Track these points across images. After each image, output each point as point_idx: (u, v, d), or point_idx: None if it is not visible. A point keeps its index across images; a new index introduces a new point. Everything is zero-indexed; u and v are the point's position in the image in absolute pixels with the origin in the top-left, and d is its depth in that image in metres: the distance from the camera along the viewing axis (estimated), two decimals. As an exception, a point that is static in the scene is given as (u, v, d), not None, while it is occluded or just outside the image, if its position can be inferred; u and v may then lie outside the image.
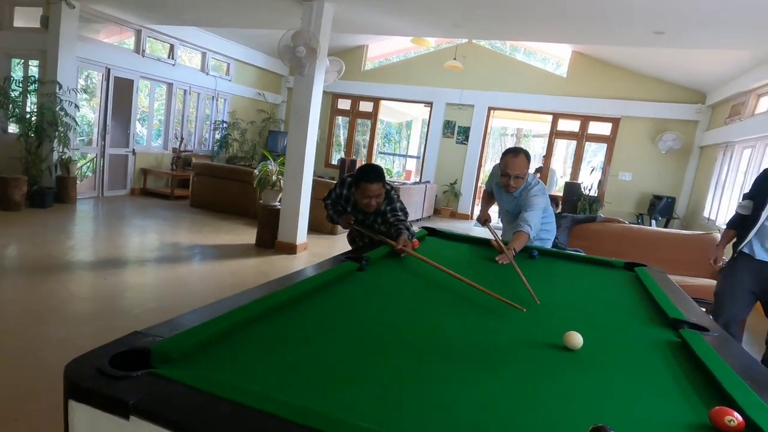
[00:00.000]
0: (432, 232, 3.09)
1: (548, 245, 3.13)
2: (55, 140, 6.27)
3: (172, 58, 8.26)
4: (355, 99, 10.49)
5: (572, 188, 8.08)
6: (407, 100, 10.50)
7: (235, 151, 9.72)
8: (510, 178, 2.80)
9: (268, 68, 10.23)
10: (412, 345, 1.29)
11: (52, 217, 5.86)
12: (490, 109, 9.54)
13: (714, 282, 3.89)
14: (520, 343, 1.39)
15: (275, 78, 10.72)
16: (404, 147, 15.87)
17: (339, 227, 3.17)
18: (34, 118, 6.29)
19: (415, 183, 9.10)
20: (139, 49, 7.63)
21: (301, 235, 5.44)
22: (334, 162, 10.73)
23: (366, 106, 10.50)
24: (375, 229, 2.71)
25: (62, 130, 6.27)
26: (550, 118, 9.29)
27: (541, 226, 2.90)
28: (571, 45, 8.58)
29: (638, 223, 7.47)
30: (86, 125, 7.80)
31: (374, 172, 2.58)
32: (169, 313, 1.25)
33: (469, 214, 9.69)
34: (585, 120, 8.96)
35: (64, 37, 6.34)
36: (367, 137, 10.92)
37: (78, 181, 6.87)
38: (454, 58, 8.71)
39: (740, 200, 3.11)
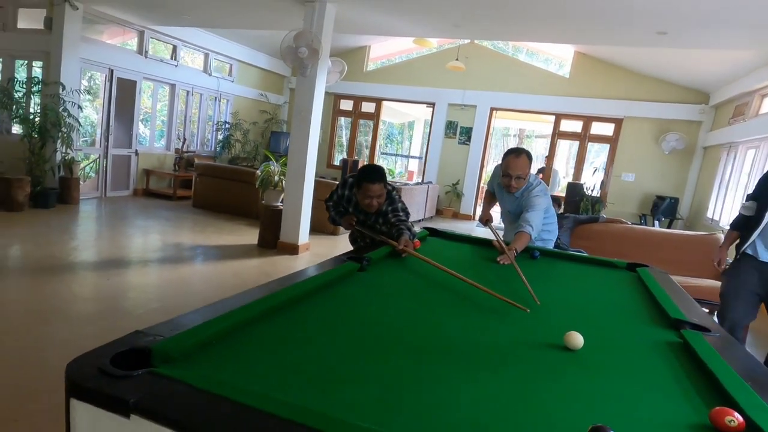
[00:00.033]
0: (433, 232, 3.09)
1: (550, 246, 3.13)
2: (59, 141, 6.31)
3: (175, 59, 8.29)
4: (358, 100, 10.50)
5: (575, 189, 8.05)
6: (409, 101, 10.50)
7: (238, 151, 9.74)
8: (511, 179, 2.80)
9: (270, 69, 10.25)
10: (412, 345, 1.29)
11: (55, 217, 5.88)
12: (492, 109, 9.53)
13: (717, 283, 3.88)
14: (521, 344, 1.39)
15: (277, 79, 10.74)
16: (406, 147, 15.88)
17: (341, 228, 3.16)
18: (37, 119, 6.32)
19: (418, 183, 9.10)
20: (141, 50, 7.66)
21: (303, 235, 5.45)
22: (337, 163, 10.74)
23: (368, 107, 10.50)
24: (376, 230, 2.71)
25: (65, 130, 6.30)
26: (552, 118, 9.28)
27: (542, 226, 2.90)
28: (574, 45, 8.56)
29: (641, 224, 7.45)
30: (89, 126, 7.83)
31: (376, 173, 2.59)
32: (172, 313, 1.25)
33: (472, 214, 9.68)
34: (588, 120, 8.94)
35: (67, 38, 6.37)
36: (370, 138, 10.93)
37: (81, 182, 6.89)
38: (457, 59, 8.71)
39: (744, 201, 3.09)
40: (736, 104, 7.00)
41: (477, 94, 9.45)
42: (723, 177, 7.04)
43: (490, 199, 3.31)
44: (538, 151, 13.05)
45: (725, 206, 6.71)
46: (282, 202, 5.55)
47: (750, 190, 3.10)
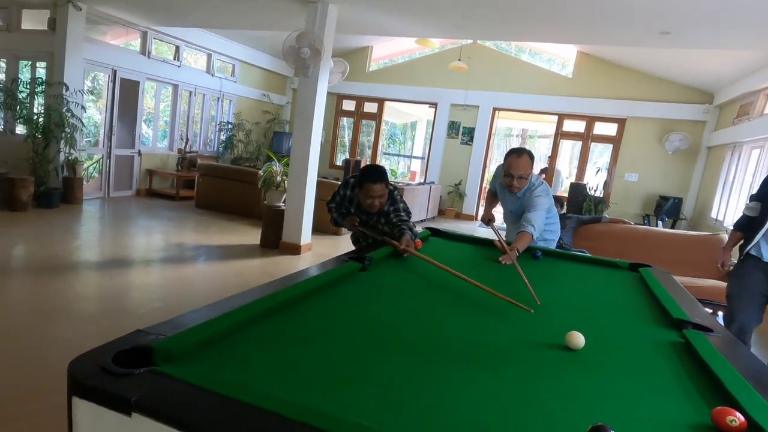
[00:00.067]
0: (435, 232, 3.09)
1: (552, 246, 3.12)
2: (62, 141, 6.34)
3: (178, 60, 8.31)
4: (360, 100, 10.51)
5: (577, 189, 8.04)
6: (412, 101, 10.50)
7: (240, 152, 9.76)
8: (513, 179, 2.80)
9: (272, 69, 10.27)
10: (413, 345, 1.29)
11: (58, 217, 5.91)
12: (494, 109, 9.52)
13: (721, 283, 3.86)
14: (521, 343, 1.39)
15: (280, 79, 10.76)
16: (409, 148, 15.87)
17: (343, 228, 3.16)
18: (41, 120, 6.35)
19: (420, 184, 9.10)
20: (144, 50, 7.68)
21: (306, 235, 5.46)
22: (339, 163, 10.75)
23: (370, 107, 10.50)
24: (378, 230, 2.72)
25: (69, 131, 6.33)
26: (555, 118, 9.26)
27: (545, 226, 2.89)
28: (576, 45, 8.55)
29: (644, 224, 7.43)
30: (93, 126, 7.86)
31: (377, 173, 2.59)
32: (174, 313, 1.26)
33: (474, 215, 9.67)
34: (590, 120, 8.92)
35: (71, 39, 6.40)
36: (372, 138, 10.93)
37: (84, 182, 6.92)
38: (459, 59, 8.70)
39: (747, 202, 3.07)
40: (741, 104, 6.97)
41: (479, 94, 9.44)
42: (727, 177, 7.01)
43: (492, 199, 3.31)
44: (541, 151, 13.04)
45: (729, 207, 6.68)
46: (284, 202, 5.55)
47: (754, 191, 3.09)
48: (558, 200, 4.44)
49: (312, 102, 5.19)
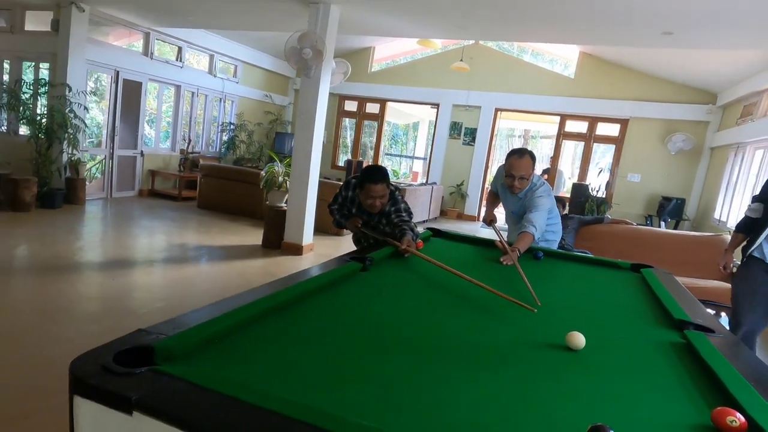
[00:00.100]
0: (436, 232, 3.09)
1: (554, 246, 3.12)
2: (65, 142, 6.36)
3: (180, 61, 8.33)
4: (362, 100, 10.51)
5: (580, 189, 8.03)
6: (414, 102, 10.50)
7: (242, 152, 9.78)
8: (515, 179, 2.80)
9: (275, 70, 10.28)
10: (413, 344, 1.29)
11: (61, 217, 5.93)
12: (497, 110, 9.51)
13: (724, 284, 3.85)
14: (522, 344, 1.39)
15: (282, 80, 10.78)
16: (411, 148, 15.88)
17: (345, 229, 3.17)
18: (44, 120, 6.37)
19: (422, 184, 9.10)
20: (147, 51, 7.71)
21: (308, 236, 5.46)
22: (341, 163, 10.76)
23: (372, 108, 10.51)
24: (380, 230, 2.72)
25: (72, 131, 6.35)
26: (557, 119, 9.25)
27: (546, 227, 2.89)
28: (579, 46, 8.54)
29: (647, 225, 7.41)
30: (95, 127, 7.89)
31: (378, 173, 2.60)
32: (176, 313, 1.26)
33: (476, 215, 9.66)
34: (593, 121, 8.91)
35: (74, 40, 6.42)
36: (374, 139, 10.93)
37: (87, 183, 6.94)
38: (461, 60, 8.70)
39: (750, 203, 3.05)
40: (744, 104, 6.94)
41: (481, 94, 9.43)
42: (730, 178, 6.98)
43: (493, 199, 3.31)
44: (544, 151, 13.03)
45: (732, 207, 6.66)
46: (286, 202, 5.56)
47: (757, 192, 3.06)
48: (560, 201, 4.43)
49: (314, 102, 5.20)
